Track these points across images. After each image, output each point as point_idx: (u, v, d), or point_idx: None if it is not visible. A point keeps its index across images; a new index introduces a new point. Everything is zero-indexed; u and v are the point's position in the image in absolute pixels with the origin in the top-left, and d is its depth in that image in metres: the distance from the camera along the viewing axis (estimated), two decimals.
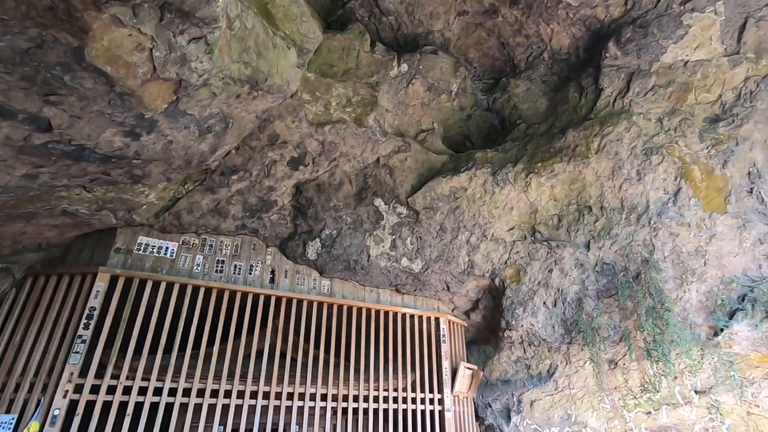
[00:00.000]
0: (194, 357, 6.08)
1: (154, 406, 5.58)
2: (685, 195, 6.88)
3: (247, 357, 6.41)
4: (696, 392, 7.01)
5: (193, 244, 6.84)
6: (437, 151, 8.10)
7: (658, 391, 7.12)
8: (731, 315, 6.64)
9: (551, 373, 8.01)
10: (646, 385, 7.23)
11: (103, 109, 3.75)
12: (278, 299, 7.06)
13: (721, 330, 6.62)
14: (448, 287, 8.41)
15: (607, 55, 7.21)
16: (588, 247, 7.56)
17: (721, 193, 6.86)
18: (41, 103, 3.47)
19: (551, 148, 7.49)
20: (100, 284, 5.69)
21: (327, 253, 7.52)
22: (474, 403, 8.63)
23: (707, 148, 6.84)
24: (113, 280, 5.82)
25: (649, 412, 7.28)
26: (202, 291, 6.39)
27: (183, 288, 6.26)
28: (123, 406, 5.43)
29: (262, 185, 6.90)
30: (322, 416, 6.62)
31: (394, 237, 7.70)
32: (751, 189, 6.76)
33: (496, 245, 7.97)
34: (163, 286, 6.10)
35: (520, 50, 8.25)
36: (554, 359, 8.01)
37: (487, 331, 9.08)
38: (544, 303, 7.91)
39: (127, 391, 5.49)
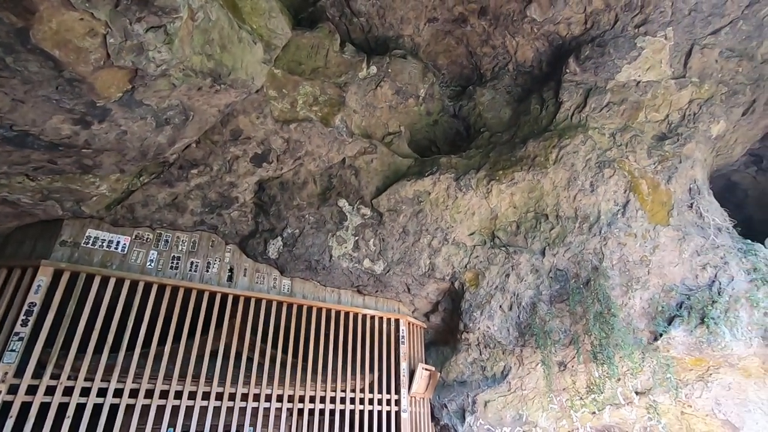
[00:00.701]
0: (143, 356, 5.84)
1: (97, 408, 5.33)
2: (633, 207, 7.28)
3: (200, 357, 6.23)
4: (636, 393, 7.43)
5: (147, 238, 6.58)
6: (403, 154, 8.19)
7: (602, 392, 7.49)
8: (670, 321, 7.08)
9: (505, 375, 8.26)
10: (591, 387, 7.58)
11: (50, 95, 3.56)
12: (236, 298, 6.90)
13: (660, 335, 7.05)
14: (409, 289, 8.51)
15: (568, 70, 7.53)
16: (543, 253, 7.85)
17: (665, 207, 7.31)
18: None
19: (512, 157, 7.73)
20: (42, 278, 5.37)
21: (288, 252, 7.43)
22: (430, 403, 8.77)
23: (654, 163, 7.27)
24: (57, 275, 5.50)
25: (594, 412, 7.65)
26: (155, 288, 6.15)
27: (134, 284, 6.00)
28: (63, 407, 5.14)
29: (223, 181, 6.74)
30: (277, 417, 6.54)
31: (357, 238, 7.71)
32: (692, 204, 7.25)
33: (457, 249, 8.14)
34: (112, 282, 5.83)
35: (487, 60, 8.47)
36: (508, 361, 8.26)
37: (445, 333, 9.25)
38: (501, 307, 8.15)
39: (68, 391, 5.20)
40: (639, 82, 7.21)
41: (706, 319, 6.57)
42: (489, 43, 8.15)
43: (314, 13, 7.67)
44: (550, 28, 7.52)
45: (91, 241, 6.06)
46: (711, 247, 7.11)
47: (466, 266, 8.24)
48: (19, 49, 3.04)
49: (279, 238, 7.36)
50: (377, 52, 8.06)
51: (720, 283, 6.91)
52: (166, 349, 5.96)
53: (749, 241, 7.16)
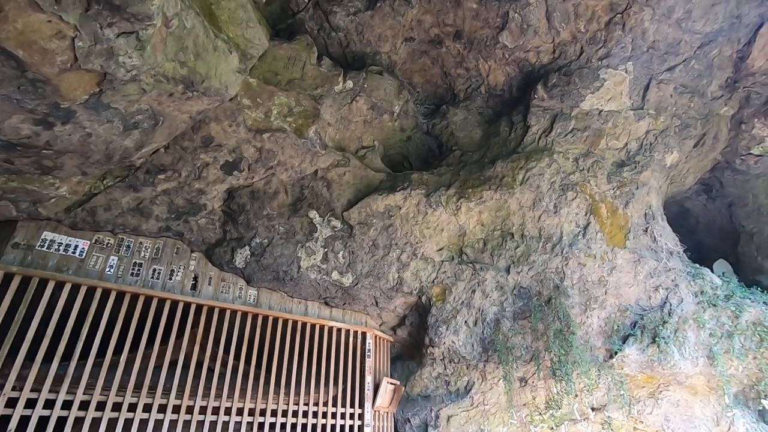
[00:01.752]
0: (97, 366, 5.61)
1: (43, 421, 5.06)
2: (593, 229, 7.62)
3: (158, 367, 6.04)
4: (592, 409, 7.68)
5: (108, 243, 6.37)
6: (376, 168, 8.29)
7: (560, 408, 7.70)
8: (624, 339, 7.40)
9: (468, 390, 8.37)
10: (550, 402, 7.79)
11: (11, 94, 3.45)
12: (199, 307, 6.73)
13: (615, 353, 7.34)
14: (376, 302, 8.54)
15: (536, 96, 7.87)
16: (508, 271, 8.08)
17: (623, 230, 7.69)
18: None
19: (481, 176, 7.97)
20: None
21: (256, 262, 7.34)
22: (394, 418, 8.76)
23: (613, 189, 7.65)
24: (7, 279, 5.23)
25: (552, 428, 7.84)
26: (113, 295, 5.93)
27: (91, 291, 5.78)
28: (5, 420, 4.86)
29: (192, 187, 6.63)
30: (237, 431, 6.38)
31: (326, 250, 7.71)
32: (647, 228, 7.65)
33: (426, 264, 8.26)
34: (67, 288, 5.59)
35: (461, 81, 8.75)
36: (472, 376, 8.38)
37: (412, 348, 9.30)
38: (466, 322, 8.29)
39: (11, 403, 4.93)
40: (601, 111, 7.61)
41: (657, 339, 6.91)
42: (463, 65, 8.42)
43: (293, 25, 7.74)
44: (520, 55, 7.86)
45: (46, 245, 5.82)
46: (663, 270, 7.50)
47: (433, 281, 8.36)
48: None
49: (247, 248, 7.27)
50: (354, 67, 8.19)
51: (671, 305, 7.28)
52: (122, 359, 5.75)
53: (698, 265, 7.61)
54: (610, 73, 7.37)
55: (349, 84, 7.77)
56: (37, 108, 3.73)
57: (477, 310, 8.25)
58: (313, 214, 7.54)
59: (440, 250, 8.30)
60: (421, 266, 8.26)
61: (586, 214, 7.64)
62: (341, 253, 7.82)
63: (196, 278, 7.04)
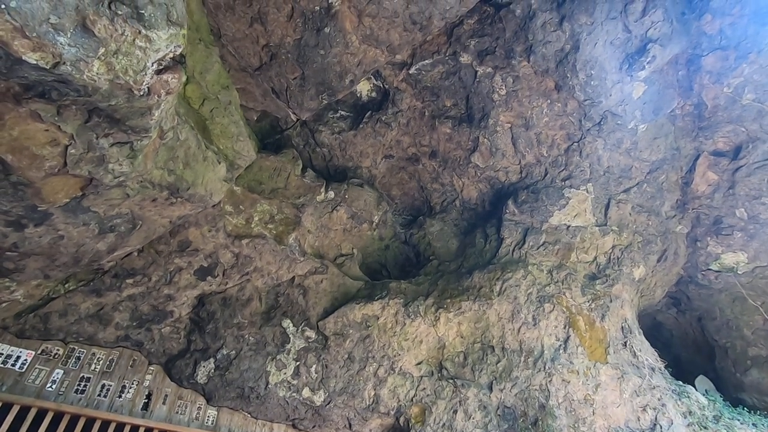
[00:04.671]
0: None
1: None
2: (573, 343, 7.49)
3: None
4: None
5: (55, 354, 5.76)
6: (354, 276, 8.22)
7: None
8: None
9: None
10: None
11: None
12: (148, 431, 5.91)
13: None
14: (350, 425, 7.72)
15: (507, 211, 8.34)
16: (491, 388, 7.62)
17: (602, 344, 7.58)
18: None
19: (459, 286, 7.98)
20: None
21: (220, 377, 6.71)
22: None
23: (588, 301, 7.74)
24: None
25: None
26: (49, 416, 5.19)
27: (24, 411, 5.05)
28: None
29: (160, 293, 6.32)
30: None
31: (298, 363, 7.18)
32: (625, 342, 7.58)
33: (404, 380, 7.74)
34: None
35: (437, 195, 9.27)
36: None
37: None
38: None
39: None
40: (569, 226, 8.07)
41: None
42: (438, 181, 9.01)
43: (281, 140, 8.29)
44: (491, 174, 8.52)
45: None
46: (648, 387, 7.26)
47: (412, 399, 7.75)
48: None
49: (212, 360, 6.70)
50: (336, 179, 8.63)
51: (661, 427, 6.90)
52: None
53: (680, 382, 7.42)
54: (573, 192, 8.01)
55: (331, 194, 8.09)
56: (12, 210, 3.66)
57: None
58: (286, 323, 7.18)
59: (419, 364, 7.87)
60: (399, 382, 7.72)
61: (564, 327, 7.57)
62: (314, 366, 7.29)
63: (149, 395, 6.30)
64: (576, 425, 7.12)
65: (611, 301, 7.75)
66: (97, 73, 2.75)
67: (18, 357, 5.45)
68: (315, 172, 8.25)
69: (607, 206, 8.14)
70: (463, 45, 7.22)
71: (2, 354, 5.34)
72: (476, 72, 7.43)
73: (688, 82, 7.33)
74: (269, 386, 6.95)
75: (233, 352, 6.83)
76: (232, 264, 6.71)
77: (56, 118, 3.08)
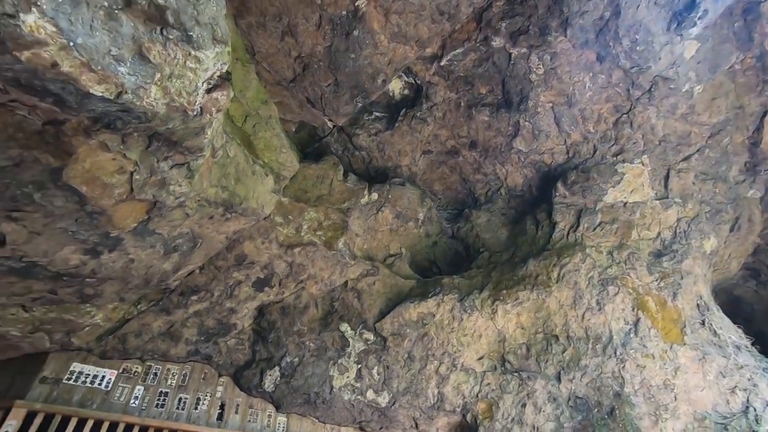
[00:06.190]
0: None
1: None
2: (645, 325, 7.06)
3: None
4: None
5: (135, 372, 6.11)
6: (405, 275, 8.18)
7: None
8: None
9: None
10: None
11: (68, 227, 3.65)
12: None
13: None
14: (416, 425, 7.67)
15: (557, 194, 8.02)
16: (559, 378, 7.33)
17: (677, 325, 7.10)
18: (2, 218, 3.34)
19: (515, 276, 7.74)
20: (12, 422, 4.81)
21: (286, 384, 6.87)
22: None
23: (656, 280, 7.28)
24: (30, 417, 4.94)
25: None
26: (136, 430, 5.50)
27: (113, 427, 5.38)
28: None
29: (223, 307, 6.56)
30: None
31: (359, 366, 7.22)
32: (703, 321, 7.06)
33: (467, 376, 7.59)
34: (89, 425, 5.22)
35: (480, 186, 9.06)
36: None
37: None
38: None
39: None
40: (626, 203, 7.64)
41: None
42: (481, 171, 8.81)
43: (320, 148, 8.41)
44: (535, 158, 8.22)
45: (74, 377, 5.60)
46: (734, 367, 6.72)
47: (477, 395, 7.59)
48: (49, 186, 3.21)
49: (277, 368, 6.88)
50: (377, 180, 8.64)
51: (755, 409, 6.36)
52: None
53: None
54: (627, 167, 7.57)
55: (374, 196, 8.11)
56: (89, 238, 3.90)
57: (531, 428, 7.30)
58: (344, 327, 7.25)
59: (481, 359, 7.70)
60: (462, 378, 7.58)
61: (633, 310, 7.16)
62: (375, 368, 7.31)
63: (222, 406, 6.55)
64: (657, 412, 6.70)
65: (682, 278, 7.25)
66: (154, 99, 2.88)
67: (103, 377, 5.83)
68: (356, 176, 8.31)
69: (667, 177, 7.64)
70: (494, 29, 7.02)
71: (90, 375, 5.73)
72: (510, 54, 7.20)
73: (746, 33, 6.73)
74: (334, 390, 7.03)
75: (296, 359, 6.97)
76: (286, 273, 6.86)
77: (121, 147, 3.26)
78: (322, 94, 7.30)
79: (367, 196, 8.04)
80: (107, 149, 3.19)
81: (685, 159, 7.63)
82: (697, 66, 6.79)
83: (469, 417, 7.59)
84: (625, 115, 7.35)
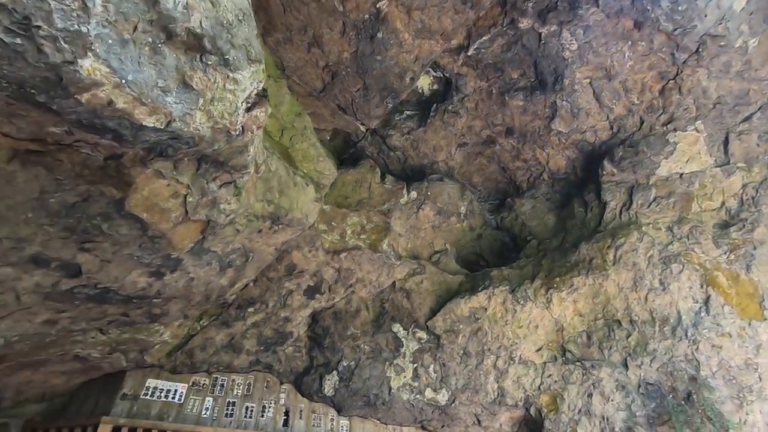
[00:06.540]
0: None
1: None
2: (717, 303, 6.59)
3: None
4: None
5: (204, 384, 6.42)
6: (452, 271, 8.09)
7: None
8: None
9: None
10: None
11: (134, 252, 3.90)
12: None
13: None
14: (479, 421, 7.56)
15: (604, 172, 7.65)
16: (626, 365, 6.98)
17: (754, 299, 6.57)
18: (76, 250, 3.63)
19: (567, 262, 7.46)
20: None
21: (345, 388, 6.98)
22: None
23: (725, 253, 6.78)
24: (115, 431, 5.33)
25: None
26: None
27: None
28: None
29: (278, 316, 6.77)
30: None
31: (415, 365, 7.22)
32: None
33: (526, 369, 7.40)
34: None
35: (521, 173, 8.81)
36: None
37: None
38: None
39: None
40: (682, 174, 7.17)
41: None
42: (520, 158, 8.57)
43: (355, 153, 8.49)
44: (577, 137, 7.89)
45: (150, 392, 5.97)
46: None
47: (539, 388, 7.38)
48: (115, 216, 3.45)
49: (335, 373, 7.01)
50: (415, 178, 8.60)
51: None
52: None
53: None
54: (679, 135, 7.10)
55: (413, 194, 8.09)
56: (153, 261, 4.15)
57: (600, 419, 7.00)
58: (396, 327, 7.27)
59: (539, 350, 7.48)
60: (521, 371, 7.40)
61: (702, 287, 6.70)
62: (432, 366, 7.27)
63: (287, 412, 6.75)
64: (741, 395, 6.24)
65: (755, 249, 6.70)
66: (200, 123, 3.02)
67: (176, 390, 6.17)
68: (394, 177, 8.32)
69: (726, 142, 7.09)
70: (520, 10, 6.80)
71: (164, 389, 6.08)
72: (540, 34, 6.95)
73: None
74: (392, 391, 7.07)
75: (352, 362, 7.07)
76: (335, 279, 6.98)
77: (174, 172, 3.44)
78: (353, 99, 7.37)
79: (406, 196, 8.03)
80: (162, 176, 3.38)
81: (746, 120, 7.04)
82: (750, 18, 6.25)
83: (532, 410, 7.39)
84: (671, 81, 6.89)
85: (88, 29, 2.12)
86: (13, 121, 2.52)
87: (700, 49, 6.49)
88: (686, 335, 6.67)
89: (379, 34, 6.50)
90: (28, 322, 4.06)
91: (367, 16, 6.26)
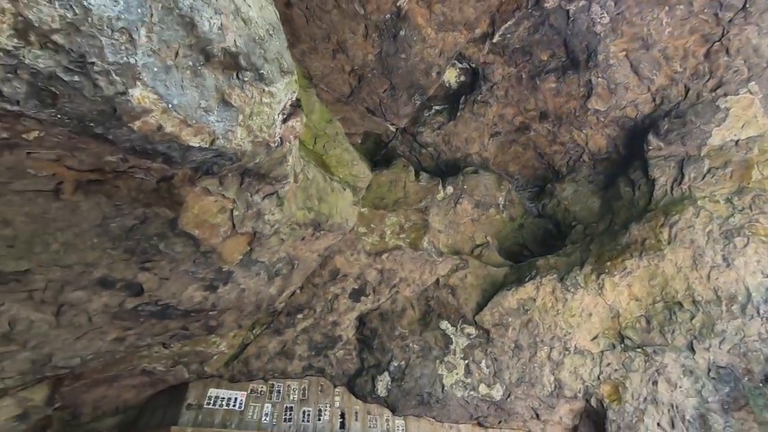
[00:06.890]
0: None
1: None
2: None
3: None
4: None
5: (261, 392, 6.62)
6: (496, 263, 7.94)
7: None
8: None
9: None
10: None
11: (189, 268, 4.07)
12: None
13: None
14: (537, 415, 7.38)
15: (650, 147, 7.28)
16: (692, 349, 6.61)
17: None
18: (137, 270, 3.83)
19: (617, 245, 7.14)
20: None
21: (398, 388, 6.99)
22: None
23: None
24: None
25: None
26: None
27: None
28: None
29: (326, 321, 6.88)
30: None
31: (467, 361, 7.13)
32: None
33: (583, 358, 7.15)
34: None
35: (559, 157, 8.53)
36: None
37: None
38: (659, 424, 6.67)
39: None
40: (738, 140, 6.71)
41: None
42: (557, 141, 8.30)
43: (387, 153, 8.50)
44: (616, 114, 7.55)
45: (212, 401, 6.22)
46: None
47: (599, 377, 7.11)
48: (170, 235, 3.62)
49: (386, 373, 7.03)
50: (449, 173, 8.51)
51: None
52: None
53: None
54: (731, 100, 6.64)
55: (449, 189, 8.00)
56: (206, 276, 4.32)
57: (669, 407, 6.67)
58: (444, 324, 7.22)
59: (595, 338, 7.21)
60: (578, 361, 7.16)
61: None
62: (483, 362, 7.16)
63: (343, 415, 6.84)
64: None
65: None
66: (241, 138, 3.11)
67: (236, 399, 6.39)
68: (428, 173, 8.27)
69: None
70: None
71: (225, 398, 6.32)
72: (567, 11, 6.70)
73: None
74: (445, 389, 7.01)
75: (403, 362, 7.07)
76: (379, 280, 7.01)
77: (220, 188, 3.57)
78: (381, 100, 7.39)
79: (442, 192, 7.96)
80: (209, 193, 3.52)
81: None
82: None
83: (593, 401, 7.14)
84: (717, 43, 6.46)
85: (135, 60, 2.24)
86: (75, 155, 2.70)
87: (747, 5, 6.04)
88: (758, 313, 6.23)
89: (402, 32, 6.48)
90: (100, 341, 4.33)
91: (388, 15, 6.26)
